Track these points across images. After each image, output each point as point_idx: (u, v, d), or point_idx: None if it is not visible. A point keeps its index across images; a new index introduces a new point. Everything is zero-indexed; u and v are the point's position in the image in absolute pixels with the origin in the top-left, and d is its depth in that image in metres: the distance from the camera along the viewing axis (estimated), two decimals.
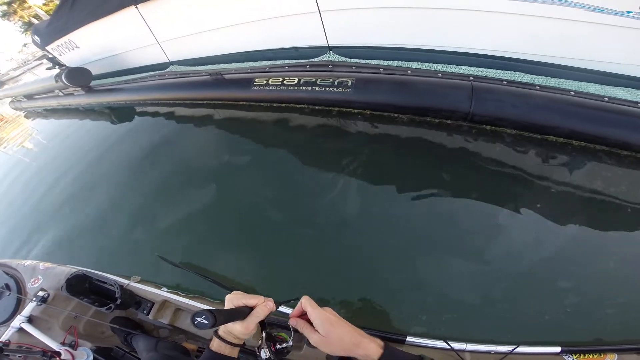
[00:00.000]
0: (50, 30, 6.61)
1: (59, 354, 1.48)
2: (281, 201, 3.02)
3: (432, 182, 2.69)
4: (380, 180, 2.86)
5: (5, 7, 28.51)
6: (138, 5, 4.79)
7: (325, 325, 0.78)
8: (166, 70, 5.46)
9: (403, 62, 3.47)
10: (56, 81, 5.86)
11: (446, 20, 2.97)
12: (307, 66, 3.97)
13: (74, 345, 1.60)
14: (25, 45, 32.43)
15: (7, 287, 1.96)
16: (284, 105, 3.81)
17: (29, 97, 8.36)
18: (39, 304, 1.77)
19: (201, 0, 4.31)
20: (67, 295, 1.74)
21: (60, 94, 6.87)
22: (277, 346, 0.89)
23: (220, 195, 3.31)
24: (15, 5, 28.45)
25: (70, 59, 6.93)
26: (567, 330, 1.80)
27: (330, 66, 3.83)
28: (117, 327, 1.73)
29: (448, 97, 2.84)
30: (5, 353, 1.41)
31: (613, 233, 2.22)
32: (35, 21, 25.35)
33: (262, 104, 3.96)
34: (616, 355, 1.29)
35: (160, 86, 5.06)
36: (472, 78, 2.99)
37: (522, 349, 1.28)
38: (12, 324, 1.70)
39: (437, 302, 2.05)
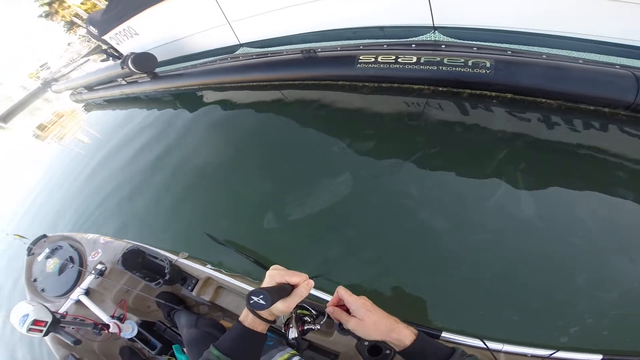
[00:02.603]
0: (107, 18, 5.77)
1: (108, 326, 1.44)
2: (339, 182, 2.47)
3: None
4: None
5: (47, 8, 27.18)
6: None
7: (361, 311, 0.74)
8: (237, 52, 4.54)
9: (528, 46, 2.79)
10: (122, 67, 5.02)
11: (581, 5, 2.44)
12: (412, 45, 3.12)
13: (122, 318, 1.53)
14: (69, 44, 31.19)
15: (71, 259, 1.91)
16: (395, 85, 2.96)
17: (90, 88, 7.48)
18: (96, 277, 1.71)
19: None
20: (121, 269, 1.66)
21: (123, 82, 6.02)
22: (305, 327, 0.84)
23: (272, 177, 2.89)
24: (55, 6, 27.11)
25: (128, 47, 6.04)
26: (610, 338, 1.49)
27: (443, 46, 3.02)
28: (163, 302, 1.65)
29: (612, 86, 2.33)
30: (62, 325, 1.33)
31: None
32: (76, 20, 24.25)
33: (367, 84, 3.10)
34: None
35: (237, 68, 4.16)
36: (618, 66, 2.45)
37: (561, 354, 1.09)
38: (71, 296, 1.66)
39: (476, 301, 1.75)
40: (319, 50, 3.50)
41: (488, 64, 2.54)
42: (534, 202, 2.01)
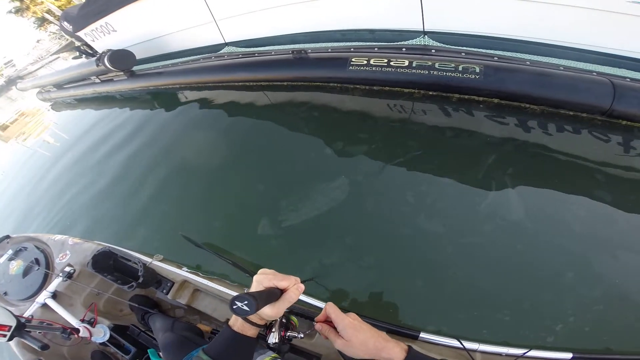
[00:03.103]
0: (84, 14, 5.50)
1: (77, 330, 1.39)
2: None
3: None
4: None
5: (17, 3, 25.79)
6: None
7: (348, 331, 0.72)
8: (222, 51, 4.42)
9: (513, 53, 2.91)
10: (97, 65, 4.75)
11: (562, 15, 2.55)
12: (403, 49, 3.14)
13: (92, 322, 1.48)
14: (38, 41, 29.65)
15: (37, 261, 1.84)
16: (387, 89, 2.96)
17: (59, 86, 7.02)
18: (64, 279, 1.65)
19: None
20: (91, 272, 1.59)
21: (97, 80, 5.69)
22: (288, 333, 0.82)
23: (257, 180, 2.79)
24: (27, 1, 25.78)
25: (104, 44, 5.77)
26: (580, 336, 1.54)
27: (433, 50, 3.08)
28: (136, 305, 1.60)
29: (591, 93, 2.44)
30: (27, 329, 1.26)
31: None
32: (48, 17, 23.13)
33: (359, 86, 3.09)
34: None
35: (222, 67, 4.01)
36: (595, 73, 2.60)
37: (533, 353, 1.14)
38: (37, 300, 1.60)
39: (453, 301, 1.77)
40: (310, 51, 3.46)
41: (477, 70, 2.60)
42: (523, 206, 2.03)
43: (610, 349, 1.49)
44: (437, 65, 2.70)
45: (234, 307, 0.57)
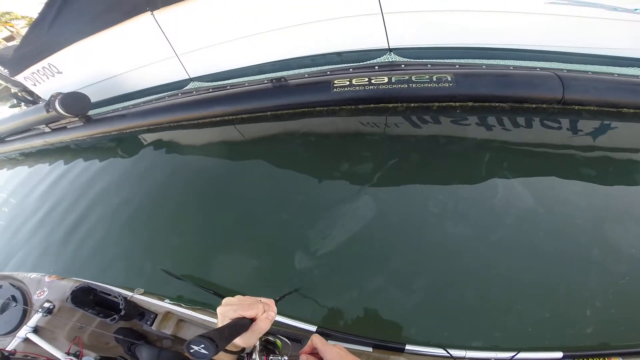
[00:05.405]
0: (21, 55, 4.78)
1: None
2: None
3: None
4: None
5: None
6: (154, 12, 3.50)
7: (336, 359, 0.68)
8: (188, 87, 4.13)
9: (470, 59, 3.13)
10: (47, 111, 4.15)
11: (504, 21, 2.85)
12: (376, 67, 3.23)
13: (78, 355, 1.43)
14: None
15: (14, 298, 1.77)
16: (372, 106, 3.00)
17: (0, 140, 6.00)
18: (44, 314, 1.62)
19: (232, 4, 3.31)
20: (72, 307, 1.57)
21: (47, 129, 4.97)
22: (271, 357, 0.77)
23: (230, 210, 2.72)
24: None
25: (48, 88, 5.04)
26: (569, 334, 1.53)
27: (402, 65, 3.21)
28: (121, 337, 1.57)
29: (545, 87, 2.71)
30: None
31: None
32: None
33: (345, 107, 3.09)
34: (620, 358, 1.13)
35: (195, 103, 3.71)
36: (538, 69, 2.90)
37: (522, 355, 1.11)
38: (18, 334, 1.56)
39: (437, 310, 1.74)
40: (287, 78, 3.36)
41: (449, 78, 2.78)
42: (529, 192, 2.16)
43: (606, 344, 1.48)
44: (414, 78, 2.83)
45: (191, 350, 0.52)
